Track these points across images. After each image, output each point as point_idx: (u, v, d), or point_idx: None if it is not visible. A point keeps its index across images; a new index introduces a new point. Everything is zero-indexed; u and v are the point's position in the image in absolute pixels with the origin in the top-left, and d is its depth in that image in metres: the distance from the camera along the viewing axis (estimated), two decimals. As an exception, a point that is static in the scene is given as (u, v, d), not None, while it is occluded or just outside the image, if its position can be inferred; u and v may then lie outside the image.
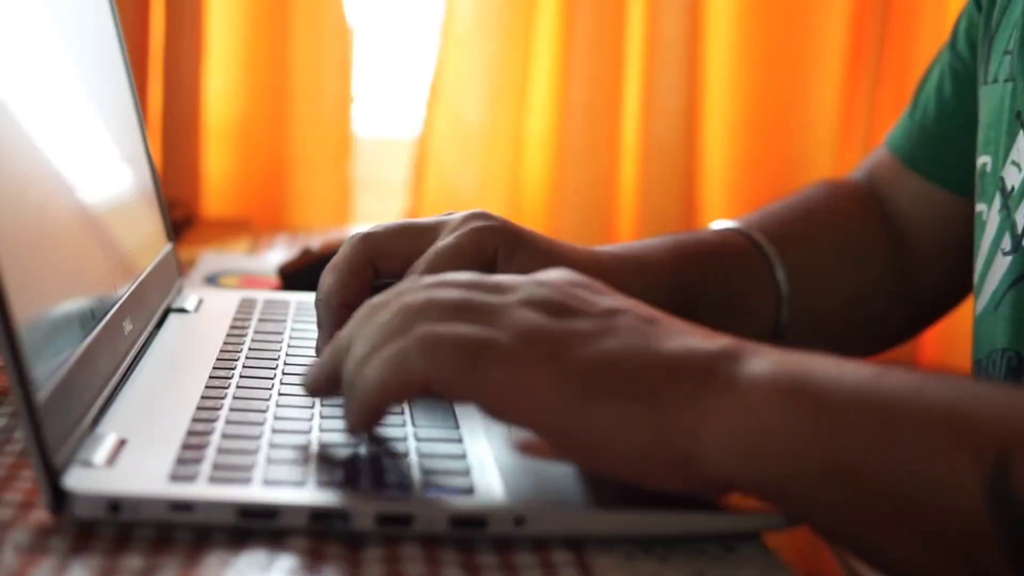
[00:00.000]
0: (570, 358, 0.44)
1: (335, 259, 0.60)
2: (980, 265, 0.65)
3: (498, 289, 0.47)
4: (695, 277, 0.67)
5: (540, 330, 0.45)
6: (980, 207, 0.66)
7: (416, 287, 0.48)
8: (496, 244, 0.59)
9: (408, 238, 0.60)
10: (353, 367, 0.46)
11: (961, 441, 0.41)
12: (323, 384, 0.49)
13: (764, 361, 0.45)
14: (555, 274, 0.49)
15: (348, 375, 0.46)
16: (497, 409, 0.44)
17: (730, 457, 0.43)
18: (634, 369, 0.45)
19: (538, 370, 0.44)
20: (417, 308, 0.46)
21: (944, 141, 0.74)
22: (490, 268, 0.59)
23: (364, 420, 0.46)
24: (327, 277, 0.59)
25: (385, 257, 0.59)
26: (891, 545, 0.43)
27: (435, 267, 0.57)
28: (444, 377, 0.44)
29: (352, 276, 0.59)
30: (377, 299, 0.49)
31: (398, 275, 0.58)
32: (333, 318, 0.58)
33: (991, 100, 0.66)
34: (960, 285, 0.76)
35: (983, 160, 0.66)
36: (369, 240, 0.60)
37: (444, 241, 0.59)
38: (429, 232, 0.60)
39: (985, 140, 0.66)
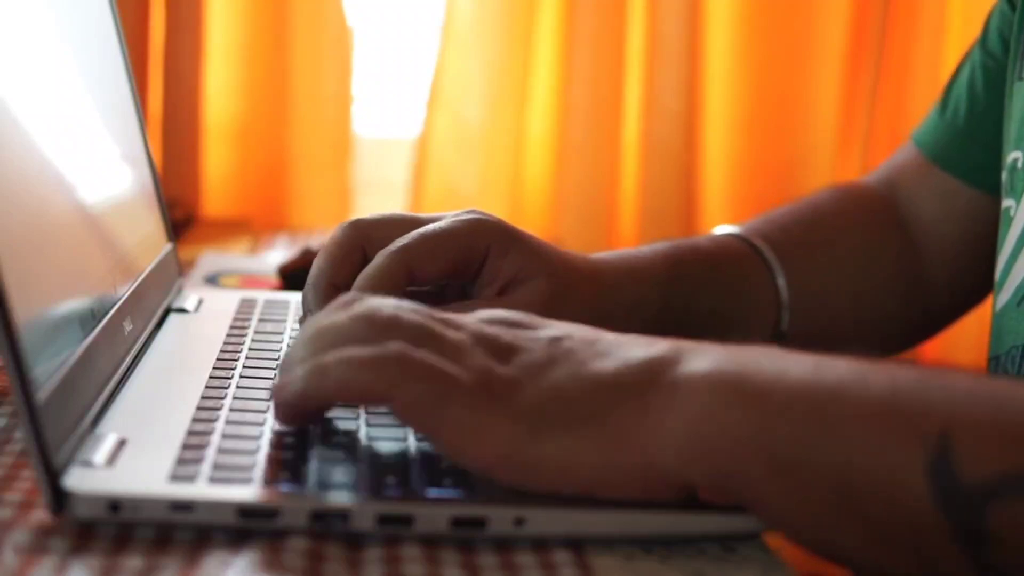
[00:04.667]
0: (518, 399, 0.45)
1: (325, 244, 0.60)
2: (1004, 260, 0.65)
3: (449, 325, 0.48)
4: (691, 285, 0.67)
5: (492, 374, 0.46)
6: (1008, 203, 0.66)
7: (375, 303, 0.48)
8: (491, 239, 0.59)
9: (399, 227, 0.60)
10: (311, 349, 0.46)
11: (901, 426, 0.42)
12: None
13: (704, 360, 0.45)
14: (491, 314, 0.50)
15: (303, 353, 0.46)
16: (453, 449, 0.45)
17: (681, 459, 0.44)
18: (577, 396, 0.45)
19: (493, 415, 0.45)
20: (381, 322, 0.46)
21: (975, 139, 0.74)
22: (479, 262, 0.59)
23: (300, 412, 0.46)
24: (317, 261, 0.60)
25: (375, 243, 0.59)
26: (842, 538, 0.43)
27: (425, 244, 0.57)
28: (409, 403, 0.45)
29: (341, 258, 0.59)
30: (325, 310, 0.49)
31: None
32: (321, 300, 0.59)
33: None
34: (978, 286, 0.75)
35: (1014, 155, 0.65)
36: (358, 226, 0.60)
37: (439, 224, 0.59)
38: (421, 224, 0.60)
39: (1018, 136, 0.66)
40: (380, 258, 0.57)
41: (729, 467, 0.44)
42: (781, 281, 0.70)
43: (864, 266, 0.76)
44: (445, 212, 0.62)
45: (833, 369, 0.44)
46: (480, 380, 0.45)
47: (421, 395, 0.44)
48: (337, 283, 0.59)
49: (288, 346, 0.49)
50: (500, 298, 0.59)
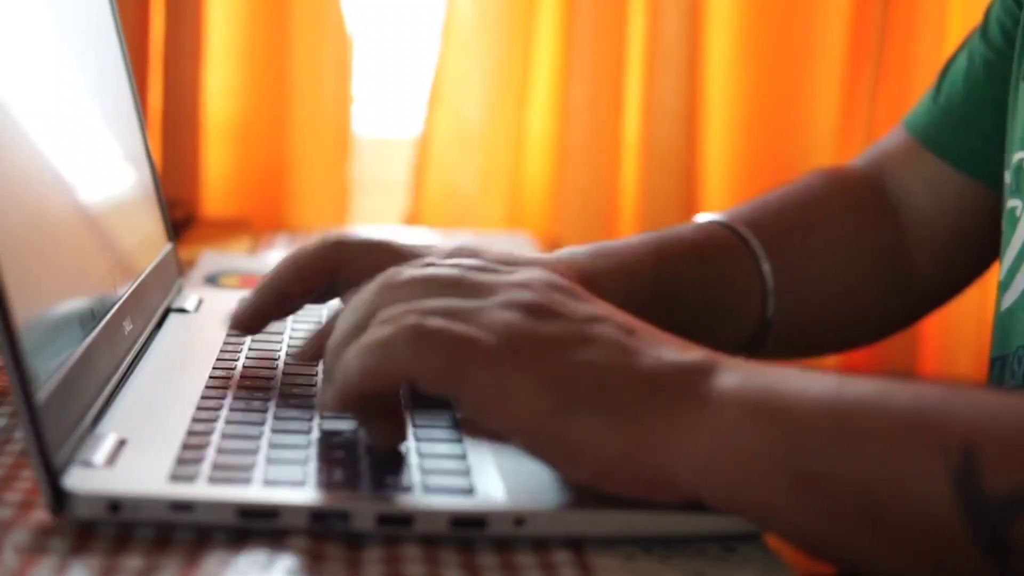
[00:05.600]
0: (550, 364, 0.45)
1: (300, 252, 0.60)
2: (1010, 260, 0.65)
3: (482, 287, 0.48)
4: (677, 276, 0.67)
5: (523, 332, 0.45)
6: (1014, 202, 0.66)
7: (409, 271, 0.49)
8: None
9: (380, 256, 0.59)
10: (336, 343, 0.47)
11: (926, 441, 0.42)
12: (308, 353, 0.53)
13: (733, 376, 0.46)
14: (537, 275, 0.49)
15: (330, 351, 0.47)
16: (478, 411, 0.45)
17: (699, 472, 0.44)
18: (611, 381, 0.45)
19: (520, 375, 0.44)
20: (419, 281, 0.47)
21: (968, 125, 0.73)
22: None
23: (341, 405, 0.46)
24: (284, 264, 0.59)
25: (350, 269, 0.59)
26: (863, 552, 0.43)
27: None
28: (429, 372, 0.45)
29: (307, 274, 0.59)
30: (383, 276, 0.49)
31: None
32: (265, 297, 0.60)
33: None
34: (963, 274, 0.75)
35: (1020, 156, 0.65)
36: (340, 247, 0.60)
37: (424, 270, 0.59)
38: (405, 257, 0.59)
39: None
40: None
41: (748, 486, 0.44)
42: (766, 267, 0.70)
43: (850, 251, 0.75)
44: (431, 246, 0.62)
45: (856, 386, 0.44)
46: (508, 339, 0.45)
47: (440, 362, 0.44)
48: (290, 291, 0.60)
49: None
50: None
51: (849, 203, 0.76)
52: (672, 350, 0.47)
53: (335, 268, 0.59)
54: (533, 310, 0.47)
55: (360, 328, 0.47)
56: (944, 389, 0.44)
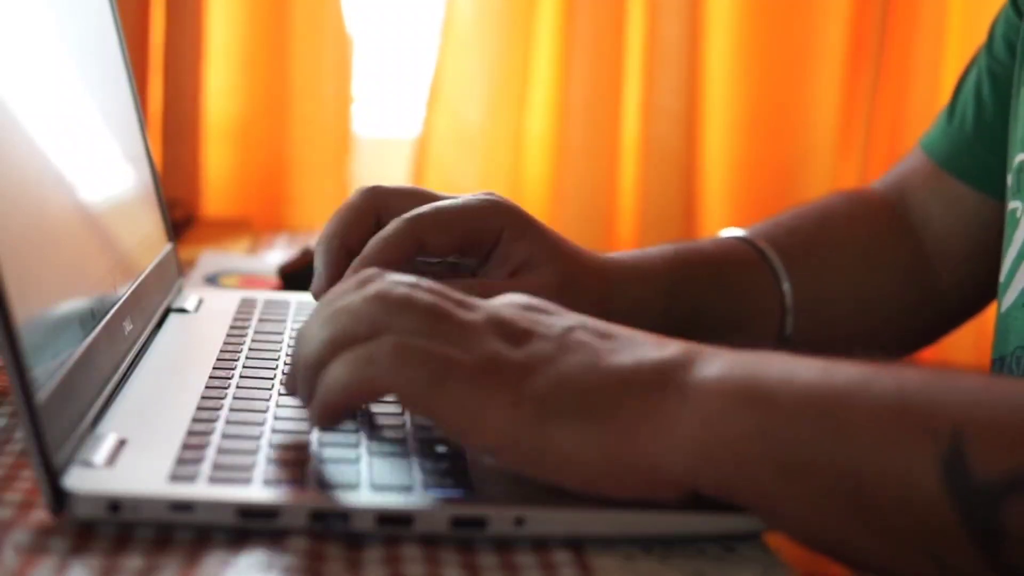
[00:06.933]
0: (527, 383, 0.45)
1: (340, 206, 0.61)
2: (1010, 261, 0.65)
3: (464, 305, 0.48)
4: (695, 287, 0.67)
5: (501, 357, 0.45)
6: (1014, 204, 0.66)
7: (389, 282, 0.48)
8: (505, 222, 0.60)
9: (415, 199, 0.61)
10: (316, 353, 0.46)
11: (913, 425, 0.42)
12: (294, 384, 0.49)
13: (714, 365, 0.46)
14: (511, 299, 0.50)
15: (310, 360, 0.46)
16: (456, 429, 0.45)
17: (689, 463, 0.44)
18: (588, 387, 0.45)
19: (496, 395, 0.44)
20: (393, 302, 0.46)
21: (983, 145, 0.74)
22: (491, 243, 0.60)
23: (327, 419, 0.46)
24: (329, 221, 0.60)
25: (390, 211, 0.60)
26: (854, 540, 0.43)
27: (438, 217, 0.58)
28: (407, 389, 0.44)
29: (354, 221, 0.60)
30: (342, 286, 0.49)
31: None
32: (332, 259, 0.59)
33: None
34: (986, 291, 0.75)
35: (1021, 157, 0.65)
36: (376, 192, 0.61)
37: (455, 200, 0.59)
38: (438, 199, 0.61)
39: None
40: (392, 224, 0.58)
41: (737, 473, 0.44)
42: (786, 286, 0.70)
43: (870, 271, 0.76)
44: (464, 193, 0.62)
45: (841, 372, 0.44)
46: (486, 363, 0.45)
47: (419, 379, 0.44)
48: (348, 244, 0.60)
49: (304, 322, 0.48)
50: (510, 281, 0.59)
51: (869, 223, 0.77)
52: (649, 348, 0.47)
53: (377, 211, 0.60)
54: (512, 333, 0.47)
55: (342, 337, 0.46)
56: (930, 373, 0.44)
